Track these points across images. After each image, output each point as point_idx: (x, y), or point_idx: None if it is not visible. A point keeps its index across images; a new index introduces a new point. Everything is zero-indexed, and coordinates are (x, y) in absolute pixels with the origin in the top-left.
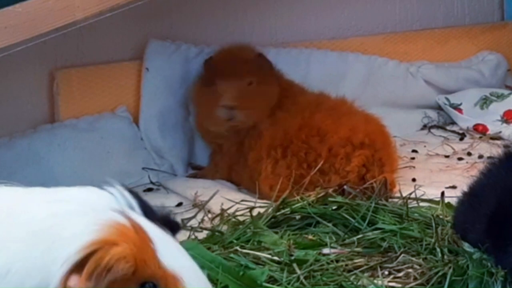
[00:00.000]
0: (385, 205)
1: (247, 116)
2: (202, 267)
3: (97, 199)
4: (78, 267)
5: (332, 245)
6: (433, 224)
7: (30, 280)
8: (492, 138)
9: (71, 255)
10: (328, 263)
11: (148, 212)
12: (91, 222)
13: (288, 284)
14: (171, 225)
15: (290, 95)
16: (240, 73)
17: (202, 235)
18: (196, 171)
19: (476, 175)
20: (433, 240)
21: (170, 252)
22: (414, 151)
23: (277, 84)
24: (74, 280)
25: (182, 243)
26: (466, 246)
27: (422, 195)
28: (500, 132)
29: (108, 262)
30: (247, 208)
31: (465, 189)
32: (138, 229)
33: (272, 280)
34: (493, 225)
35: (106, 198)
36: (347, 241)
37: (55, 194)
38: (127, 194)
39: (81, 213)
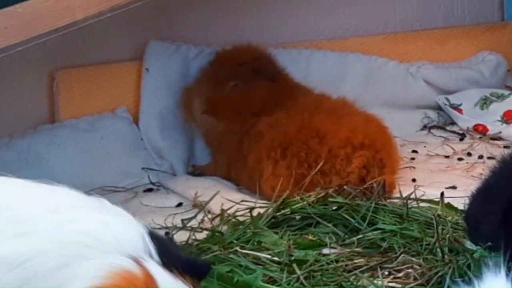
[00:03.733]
0: (385, 205)
1: (215, 121)
2: None
3: (124, 235)
4: None
5: (332, 245)
6: (434, 223)
7: (35, 283)
8: (492, 139)
9: None
10: (328, 264)
11: (168, 257)
12: (104, 266)
13: (288, 284)
14: (198, 269)
15: (292, 96)
16: (222, 77)
17: (202, 235)
18: (196, 167)
19: (488, 172)
20: (433, 240)
21: None
22: (414, 151)
23: (265, 88)
24: None
25: None
26: (468, 245)
27: (422, 195)
28: (500, 132)
29: None
30: (247, 209)
31: (479, 185)
32: (148, 282)
33: (272, 280)
34: (509, 216)
35: (133, 236)
36: (347, 241)
37: (101, 210)
38: (147, 238)
39: (102, 249)
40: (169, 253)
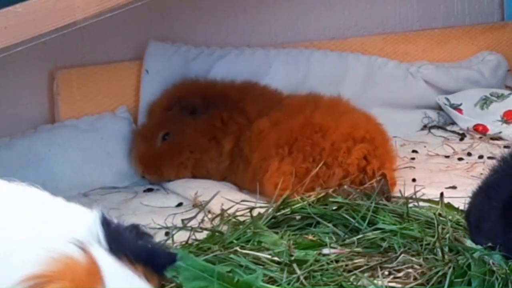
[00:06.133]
0: (385, 205)
1: (158, 179)
2: (195, 278)
3: (74, 222)
4: None
5: (332, 245)
6: (435, 222)
7: None
8: (492, 139)
9: (13, 283)
10: (328, 264)
11: (118, 244)
12: (44, 252)
13: (288, 284)
14: (158, 258)
15: (276, 99)
16: (148, 131)
17: (202, 235)
18: None
19: (488, 171)
20: (434, 239)
21: None
22: (414, 151)
23: (204, 123)
24: None
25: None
26: (468, 243)
27: (422, 195)
28: (500, 132)
29: None
30: (247, 209)
31: (479, 183)
32: (91, 268)
33: (272, 280)
34: (509, 212)
35: (78, 223)
36: (347, 241)
37: (51, 204)
38: (97, 224)
39: (46, 237)
40: (120, 240)
